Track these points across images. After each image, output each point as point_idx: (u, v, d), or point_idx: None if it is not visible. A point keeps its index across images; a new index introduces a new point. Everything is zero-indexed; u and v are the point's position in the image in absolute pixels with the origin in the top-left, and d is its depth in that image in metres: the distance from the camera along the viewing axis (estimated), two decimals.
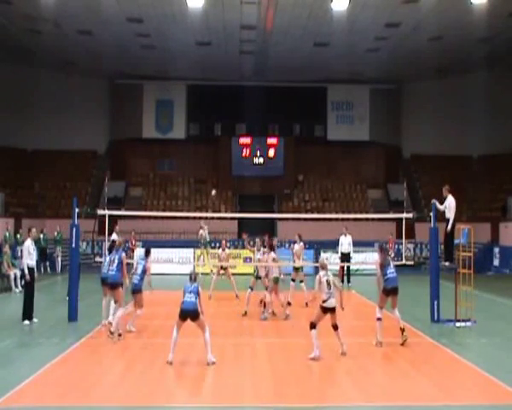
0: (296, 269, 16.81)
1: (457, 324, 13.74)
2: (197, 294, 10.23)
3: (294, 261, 16.83)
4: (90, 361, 10.40)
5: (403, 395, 8.68)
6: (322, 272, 11.07)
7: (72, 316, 13.99)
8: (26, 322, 13.90)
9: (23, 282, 20.05)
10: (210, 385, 9.04)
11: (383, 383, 9.20)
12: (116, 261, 12.49)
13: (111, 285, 12.50)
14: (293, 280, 16.75)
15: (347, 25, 26.03)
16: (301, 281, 16.82)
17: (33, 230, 15.56)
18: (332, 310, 10.80)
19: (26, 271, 14.16)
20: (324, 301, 10.78)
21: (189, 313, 10.16)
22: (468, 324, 13.81)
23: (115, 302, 12.43)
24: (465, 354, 10.85)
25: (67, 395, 8.45)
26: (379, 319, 11.88)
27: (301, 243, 17.01)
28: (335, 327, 10.93)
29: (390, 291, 12.01)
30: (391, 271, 12.17)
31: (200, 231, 24.98)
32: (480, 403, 8.39)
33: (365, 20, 25.83)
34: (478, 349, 11.61)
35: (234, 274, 18.93)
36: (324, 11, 24.82)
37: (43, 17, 25.45)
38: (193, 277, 10.53)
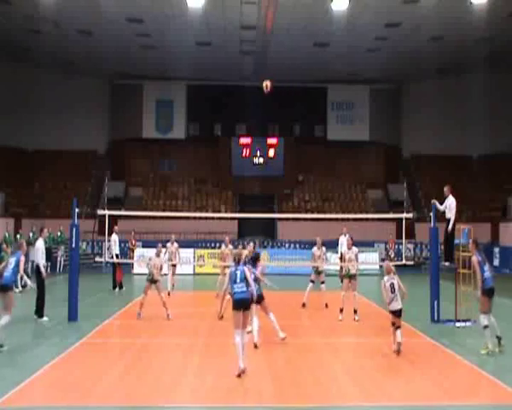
0: (318, 272, 16.37)
1: (457, 324, 13.73)
2: (245, 279, 9.92)
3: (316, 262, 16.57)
4: (90, 361, 10.39)
5: (403, 395, 8.68)
6: (386, 277, 11.16)
7: (72, 316, 13.99)
8: (45, 319, 14.20)
9: (23, 282, 20.15)
10: (210, 385, 9.03)
11: (383, 383, 9.20)
12: (13, 264, 11.49)
13: (1, 287, 11.34)
14: (313, 282, 16.35)
15: (347, 25, 26.05)
16: (322, 282, 16.33)
17: (45, 230, 15.84)
18: (395, 313, 11.00)
19: (43, 269, 14.41)
20: (388, 304, 11.07)
21: (243, 303, 9.87)
22: (468, 324, 13.79)
23: (5, 308, 11.22)
24: (465, 354, 10.84)
25: (67, 395, 8.45)
26: (486, 326, 10.97)
27: (323, 248, 16.63)
28: (397, 327, 11.03)
29: (489, 292, 11.27)
30: (487, 269, 11.35)
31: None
32: (480, 403, 8.38)
33: (365, 20, 25.84)
34: (478, 349, 11.59)
35: None
36: (324, 11, 24.83)
37: (43, 17, 25.46)
38: (237, 258, 10.23)
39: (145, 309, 14.62)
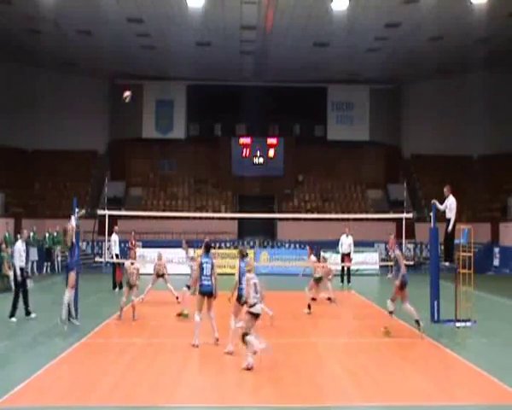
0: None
1: (457, 324, 13.73)
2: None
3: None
4: (90, 361, 10.40)
5: (403, 395, 8.67)
6: (249, 275, 10.27)
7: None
8: (13, 319, 14.15)
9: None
10: (210, 385, 9.03)
11: (383, 383, 9.19)
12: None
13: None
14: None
15: (347, 25, 26.05)
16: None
17: (25, 231, 15.77)
18: (258, 317, 10.12)
19: (19, 272, 14.38)
20: (251, 306, 10.04)
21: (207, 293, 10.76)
22: (468, 324, 13.80)
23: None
24: (465, 354, 10.84)
25: (67, 395, 8.45)
26: (391, 312, 12.54)
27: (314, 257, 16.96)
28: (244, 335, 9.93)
29: (405, 285, 12.55)
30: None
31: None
32: (480, 403, 8.38)
33: (365, 20, 25.84)
34: (478, 349, 11.60)
35: (231, 274, 18.82)
36: (324, 11, 24.83)
37: (43, 17, 25.45)
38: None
39: (145, 309, 14.62)
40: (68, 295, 13.22)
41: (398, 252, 12.93)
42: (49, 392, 8.67)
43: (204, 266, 11.27)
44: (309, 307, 15.51)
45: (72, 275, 13.41)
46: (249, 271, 10.36)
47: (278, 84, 36.27)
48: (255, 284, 10.10)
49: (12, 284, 19.87)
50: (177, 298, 16.82)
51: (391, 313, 12.50)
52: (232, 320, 10.91)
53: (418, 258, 29.93)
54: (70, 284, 13.25)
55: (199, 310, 11.22)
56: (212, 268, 11.35)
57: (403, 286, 12.41)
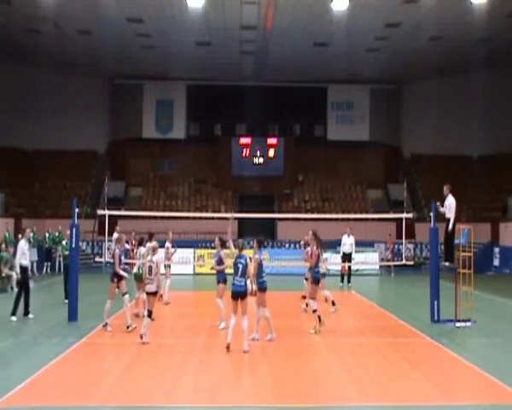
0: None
1: (457, 324, 13.73)
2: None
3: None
4: (90, 361, 10.40)
5: (403, 395, 8.67)
6: (149, 257, 12.03)
7: (72, 316, 13.99)
8: (14, 318, 14.26)
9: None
10: (210, 385, 9.03)
11: (383, 383, 9.19)
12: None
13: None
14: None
15: (347, 25, 26.05)
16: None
17: (28, 230, 15.91)
18: (151, 295, 11.80)
19: (18, 270, 14.48)
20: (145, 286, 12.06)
21: (240, 294, 11.12)
22: (468, 324, 13.80)
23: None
24: (465, 354, 10.84)
25: (67, 395, 8.45)
26: (315, 310, 12.81)
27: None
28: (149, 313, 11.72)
29: (319, 282, 13.18)
30: (321, 262, 13.40)
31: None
32: (480, 403, 8.38)
33: (365, 20, 25.83)
34: (478, 349, 11.60)
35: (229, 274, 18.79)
36: (324, 11, 24.83)
37: (43, 17, 25.45)
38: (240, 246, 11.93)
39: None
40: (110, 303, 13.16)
41: (315, 250, 12.97)
42: (49, 392, 8.68)
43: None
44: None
45: (113, 286, 13.29)
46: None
47: (278, 84, 36.28)
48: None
49: (14, 284, 20.02)
50: (162, 295, 16.79)
51: (314, 311, 12.78)
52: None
53: (418, 258, 29.94)
54: (111, 296, 13.14)
55: (234, 312, 11.19)
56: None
57: (318, 283, 13.03)
